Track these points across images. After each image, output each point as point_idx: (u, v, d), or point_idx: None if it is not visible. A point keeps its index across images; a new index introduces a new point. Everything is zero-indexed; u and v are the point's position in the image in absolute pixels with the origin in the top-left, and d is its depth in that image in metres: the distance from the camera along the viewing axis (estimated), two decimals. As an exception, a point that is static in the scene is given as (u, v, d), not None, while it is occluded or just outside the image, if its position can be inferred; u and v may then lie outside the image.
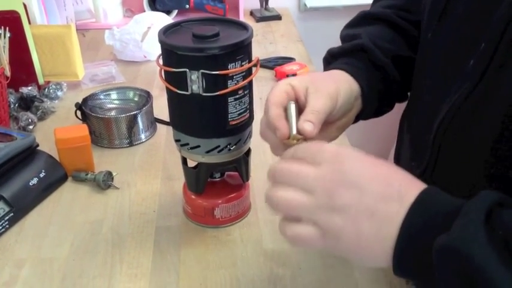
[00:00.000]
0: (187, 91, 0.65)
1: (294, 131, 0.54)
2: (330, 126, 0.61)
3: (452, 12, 0.58)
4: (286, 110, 0.56)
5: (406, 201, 0.44)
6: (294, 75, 1.19)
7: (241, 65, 0.66)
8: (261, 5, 1.72)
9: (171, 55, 0.65)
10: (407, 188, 0.45)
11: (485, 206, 0.40)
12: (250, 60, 0.67)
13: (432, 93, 0.62)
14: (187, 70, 0.64)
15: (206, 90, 0.65)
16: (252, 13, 1.73)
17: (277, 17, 1.69)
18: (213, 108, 0.67)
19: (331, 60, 0.70)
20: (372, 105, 0.65)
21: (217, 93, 0.65)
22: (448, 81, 0.57)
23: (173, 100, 0.69)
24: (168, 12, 1.62)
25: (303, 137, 0.53)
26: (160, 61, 0.68)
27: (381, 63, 0.66)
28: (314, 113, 0.54)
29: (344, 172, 0.46)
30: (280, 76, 1.22)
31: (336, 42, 0.73)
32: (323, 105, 0.56)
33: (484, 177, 0.51)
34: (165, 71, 0.67)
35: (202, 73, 0.64)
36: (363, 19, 0.74)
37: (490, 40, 0.50)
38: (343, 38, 0.72)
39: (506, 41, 0.48)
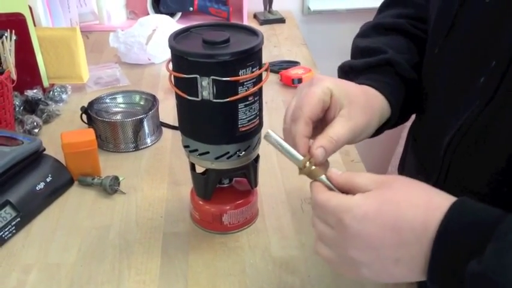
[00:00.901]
0: (197, 97, 0.65)
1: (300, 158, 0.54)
2: None
3: (460, 27, 0.57)
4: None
5: (427, 237, 0.44)
6: (300, 79, 1.19)
7: (252, 71, 0.65)
8: (265, 8, 1.72)
9: (181, 61, 0.64)
10: (423, 226, 0.44)
11: None
12: (260, 67, 0.67)
13: (440, 108, 0.61)
14: (198, 76, 0.63)
15: (216, 97, 0.64)
16: (255, 16, 1.72)
17: (281, 20, 1.69)
18: (223, 114, 0.66)
19: (352, 73, 0.67)
20: (394, 121, 0.64)
21: (228, 99, 0.65)
22: (457, 98, 0.56)
23: (183, 106, 0.69)
24: (172, 15, 1.62)
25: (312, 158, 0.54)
26: (170, 66, 0.67)
27: (409, 76, 0.65)
28: (332, 141, 0.54)
29: (353, 236, 0.47)
30: (285, 80, 1.22)
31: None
32: (343, 135, 0.55)
33: (496, 195, 0.51)
34: (175, 77, 0.67)
35: (213, 79, 0.63)
36: (374, 29, 0.72)
37: (501, 57, 0.48)
38: (361, 50, 0.70)
39: None
